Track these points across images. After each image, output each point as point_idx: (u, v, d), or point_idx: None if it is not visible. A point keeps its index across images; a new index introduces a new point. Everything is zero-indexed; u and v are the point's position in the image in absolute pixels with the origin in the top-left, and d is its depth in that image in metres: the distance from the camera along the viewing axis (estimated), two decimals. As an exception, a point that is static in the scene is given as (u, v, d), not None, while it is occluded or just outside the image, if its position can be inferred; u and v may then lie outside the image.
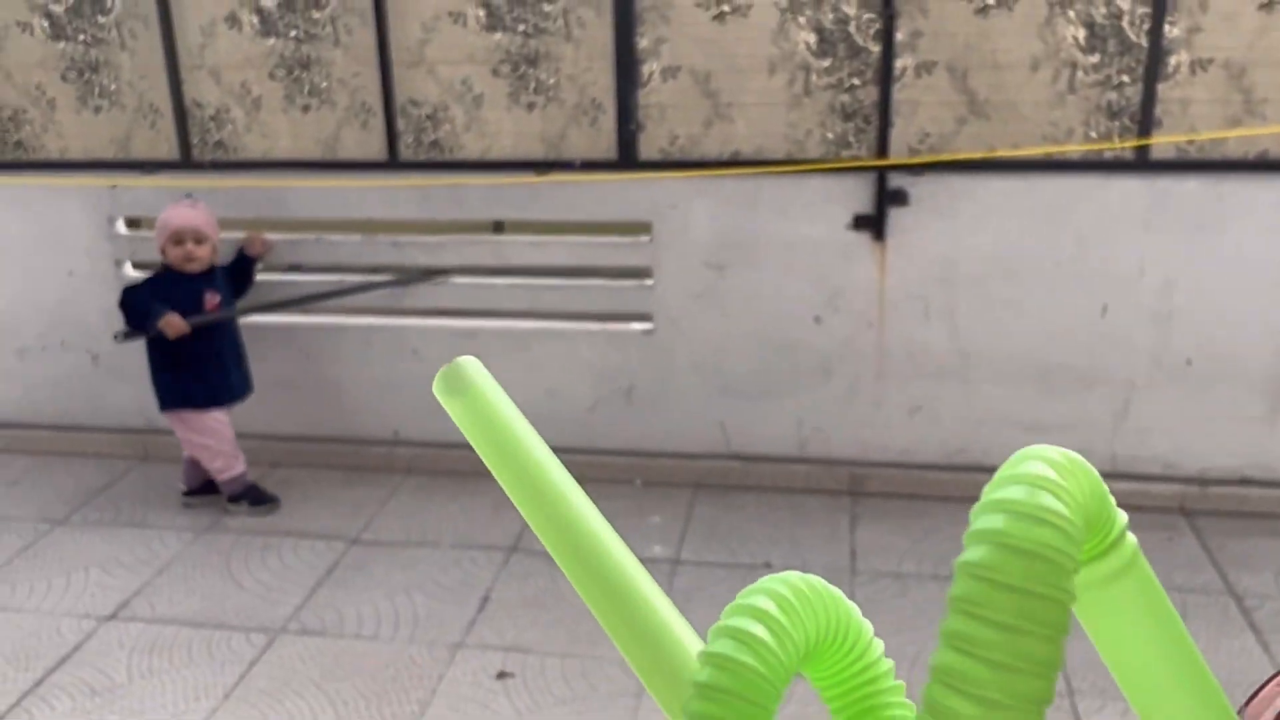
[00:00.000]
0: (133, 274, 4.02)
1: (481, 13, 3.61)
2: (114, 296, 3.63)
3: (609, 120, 3.64)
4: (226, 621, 3.14)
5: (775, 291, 3.66)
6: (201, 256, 3.54)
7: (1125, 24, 3.28)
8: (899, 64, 3.42)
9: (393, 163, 3.79)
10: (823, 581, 0.43)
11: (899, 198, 3.49)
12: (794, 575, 0.43)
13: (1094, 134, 3.39)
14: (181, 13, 3.77)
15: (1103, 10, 3.28)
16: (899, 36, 3.39)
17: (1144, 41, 3.29)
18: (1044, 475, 0.39)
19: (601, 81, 3.60)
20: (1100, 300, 3.50)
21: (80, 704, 2.78)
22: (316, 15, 3.71)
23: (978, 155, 3.46)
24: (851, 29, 3.43)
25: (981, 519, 0.39)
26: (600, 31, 3.56)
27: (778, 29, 3.46)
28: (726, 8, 3.46)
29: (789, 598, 0.42)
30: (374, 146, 3.81)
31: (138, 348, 3.67)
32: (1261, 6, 3.21)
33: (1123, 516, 0.44)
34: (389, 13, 3.64)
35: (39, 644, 3.05)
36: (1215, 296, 3.46)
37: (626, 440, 3.92)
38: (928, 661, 0.37)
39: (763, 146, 3.57)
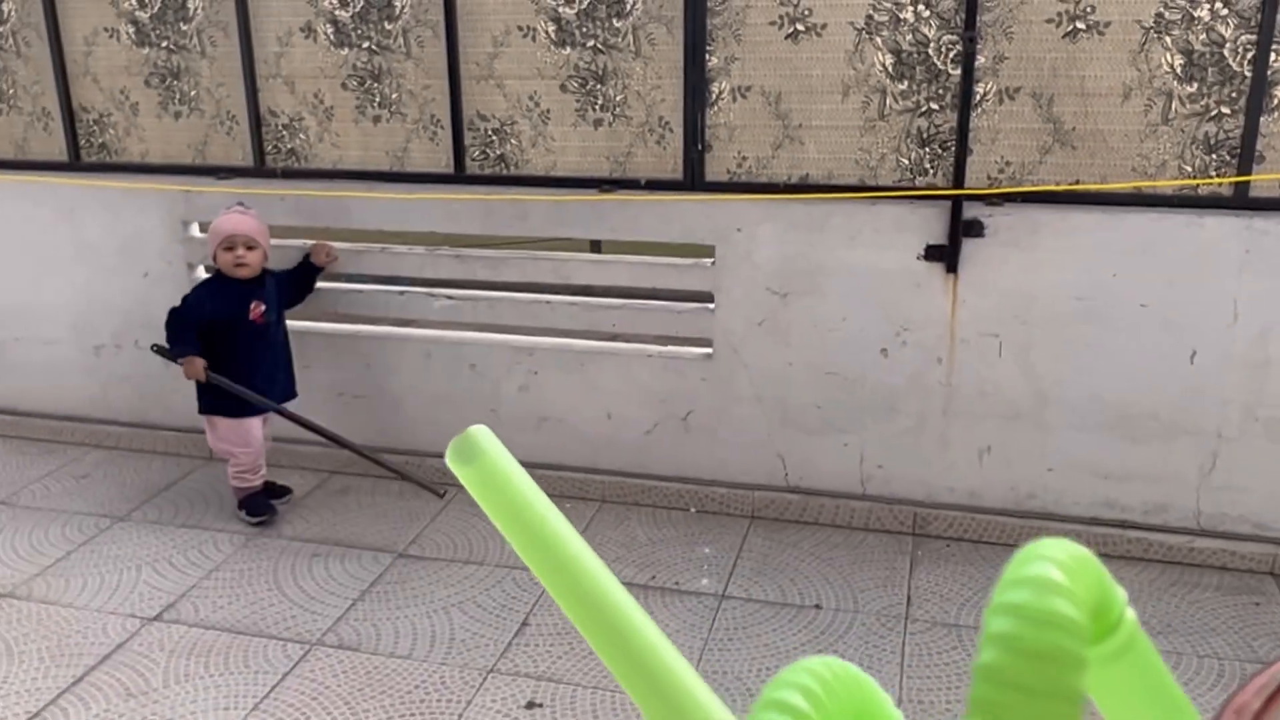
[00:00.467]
0: (204, 278, 4.08)
1: (552, 28, 3.56)
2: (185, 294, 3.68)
3: (676, 139, 3.55)
4: (266, 630, 3.13)
5: (841, 321, 3.53)
6: (251, 262, 3.57)
7: (1226, 52, 3.08)
8: (980, 89, 3.27)
9: (458, 176, 3.77)
10: (854, 669, 0.44)
11: (974, 228, 3.33)
12: (824, 665, 0.43)
13: (1188, 168, 3.19)
14: (260, 22, 3.82)
15: (1202, 37, 3.08)
16: (981, 60, 3.24)
17: (1247, 71, 3.07)
18: (1051, 578, 0.41)
19: (670, 100, 3.53)
20: (1189, 345, 3.28)
21: (114, 706, 2.80)
22: (389, 27, 3.71)
23: (1061, 187, 3.28)
24: (930, 51, 3.28)
25: (994, 621, 0.40)
26: (670, 49, 3.48)
27: (853, 50, 3.33)
28: (801, 27, 3.35)
29: (818, 693, 0.42)
30: (441, 159, 3.79)
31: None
32: (1380, 36, 2.97)
33: (1123, 595, 0.45)
34: (460, 26, 3.62)
35: (83, 641, 3.08)
36: (1318, 346, 3.21)
37: (682, 467, 3.82)
38: None
39: (833, 171, 3.45)
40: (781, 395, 3.66)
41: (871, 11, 3.28)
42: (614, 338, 3.85)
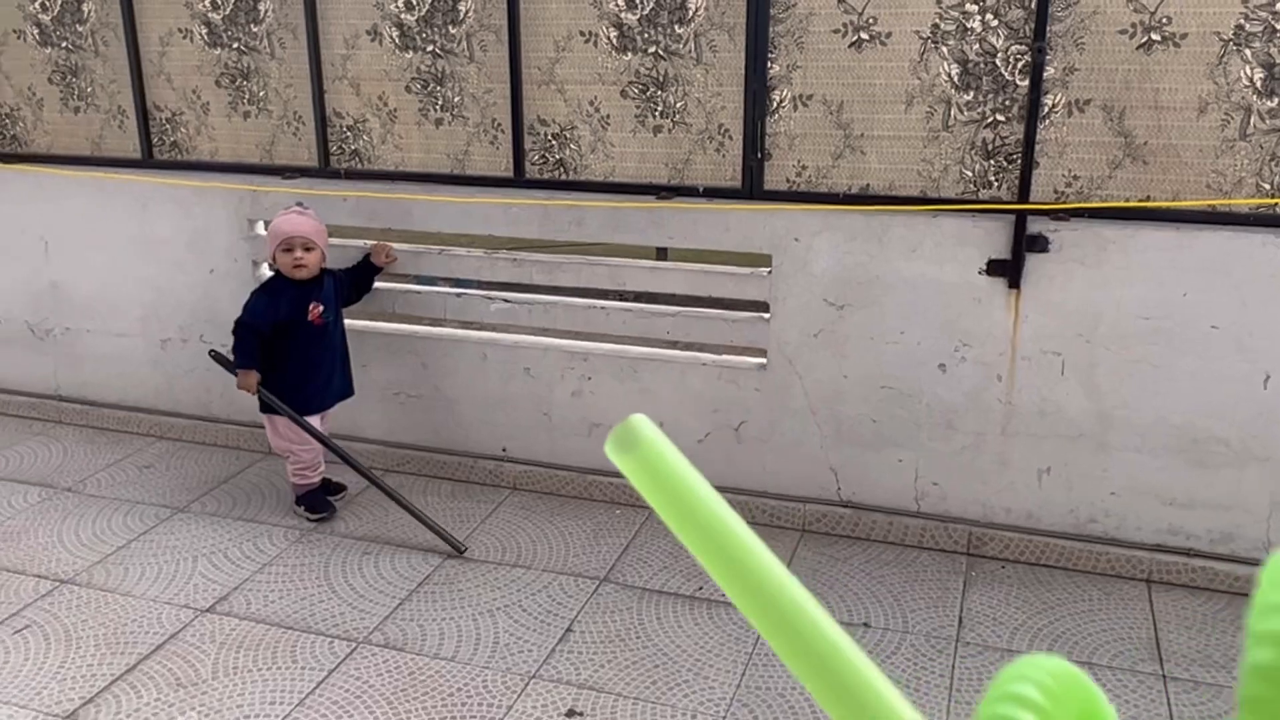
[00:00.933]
0: (268, 275, 4.15)
1: (614, 33, 3.56)
2: (248, 297, 3.74)
3: (735, 147, 3.52)
4: (314, 626, 3.17)
5: (898, 335, 3.47)
6: (309, 264, 3.61)
7: (1310, 66, 2.96)
8: (1048, 100, 3.18)
9: (518, 180, 3.79)
10: (1079, 671, 0.45)
11: (1039, 244, 3.25)
12: (1053, 663, 0.44)
13: (1267, 186, 3.07)
14: (327, 25, 3.87)
15: (1285, 50, 2.96)
16: (1050, 71, 3.16)
17: (1331, 86, 2.95)
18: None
19: (730, 107, 3.50)
20: (1263, 369, 3.16)
21: (164, 696, 2.85)
22: (453, 31, 3.74)
23: (1131, 204, 3.18)
24: (998, 61, 3.21)
25: (1267, 620, 0.38)
26: (732, 56, 3.45)
27: (918, 59, 3.27)
28: (865, 35, 3.30)
29: (1053, 688, 0.43)
30: (501, 163, 3.81)
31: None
32: None
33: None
34: (523, 31, 3.64)
35: (138, 630, 3.15)
36: (1401, 374, 3.07)
37: (733, 477, 3.79)
38: None
39: (894, 182, 3.39)
40: (836, 408, 3.60)
41: (938, 20, 3.22)
42: (668, 345, 3.83)
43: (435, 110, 3.84)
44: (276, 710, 2.79)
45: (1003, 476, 3.48)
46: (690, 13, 3.46)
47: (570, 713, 2.78)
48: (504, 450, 4.07)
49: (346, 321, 3.91)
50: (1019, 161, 3.25)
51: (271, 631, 3.14)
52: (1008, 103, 3.23)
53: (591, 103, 3.64)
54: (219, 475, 4.20)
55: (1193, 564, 3.34)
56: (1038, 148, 3.22)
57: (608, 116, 3.64)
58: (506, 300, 3.94)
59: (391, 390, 4.14)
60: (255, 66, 4.04)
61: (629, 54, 3.56)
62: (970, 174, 3.32)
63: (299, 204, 3.71)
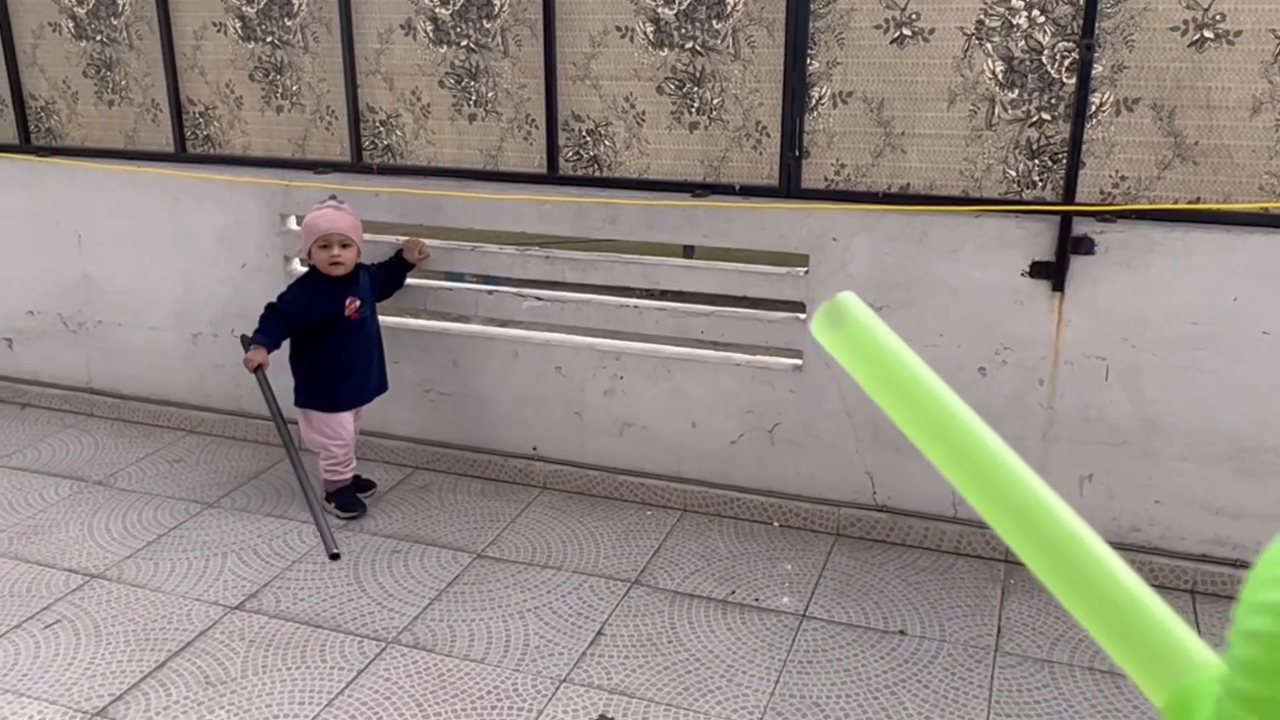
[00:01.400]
0: (300, 271, 4.13)
1: (650, 29, 3.51)
2: (281, 290, 3.72)
3: (773, 145, 3.47)
4: (344, 625, 3.14)
5: (938, 337, 3.40)
6: (346, 260, 3.58)
7: (1370, 65, 2.87)
8: (1096, 99, 3.11)
9: (551, 177, 3.74)
10: None
11: (1084, 245, 3.17)
12: None
13: (1322, 188, 2.98)
14: (361, 18, 3.84)
15: (1343, 48, 2.87)
16: (1098, 69, 3.08)
17: (1392, 86, 2.86)
18: None
19: (768, 104, 3.44)
20: (1315, 377, 3.07)
21: (194, 694, 2.83)
22: (488, 25, 3.70)
23: (1181, 205, 3.10)
24: (1044, 59, 3.13)
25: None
26: (771, 52, 3.39)
27: (962, 56, 3.20)
28: (907, 31, 3.23)
29: None
30: (534, 159, 3.77)
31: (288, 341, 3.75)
32: None
33: None
34: (558, 25, 3.59)
35: (168, 626, 3.14)
36: None
37: (766, 479, 3.74)
38: None
39: (935, 181, 3.32)
40: (872, 411, 3.53)
41: (983, 16, 3.15)
42: (702, 345, 3.78)
43: (469, 105, 3.81)
44: (305, 710, 2.77)
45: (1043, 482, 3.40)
46: (729, 8, 3.40)
47: (601, 718, 2.74)
48: (534, 449, 4.03)
49: (378, 318, 3.88)
50: (1064, 161, 3.18)
51: (301, 630, 3.12)
52: (1053, 101, 3.16)
53: (627, 99, 3.60)
54: (249, 470, 4.19)
55: (1239, 575, 3.25)
56: (1084, 147, 3.14)
57: (643, 113, 3.59)
58: (539, 298, 3.90)
59: (422, 387, 4.12)
60: (289, 60, 4.02)
61: (666, 49, 3.51)
62: (1014, 174, 3.25)
63: (333, 197, 3.68)
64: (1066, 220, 3.17)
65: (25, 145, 4.57)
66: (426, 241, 3.94)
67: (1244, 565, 3.26)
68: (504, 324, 4.14)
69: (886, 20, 3.24)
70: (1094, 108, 3.11)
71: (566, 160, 3.73)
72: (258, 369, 3.58)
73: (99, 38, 4.31)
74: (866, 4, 3.25)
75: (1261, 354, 3.09)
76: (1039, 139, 3.20)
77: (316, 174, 4.03)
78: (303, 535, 3.67)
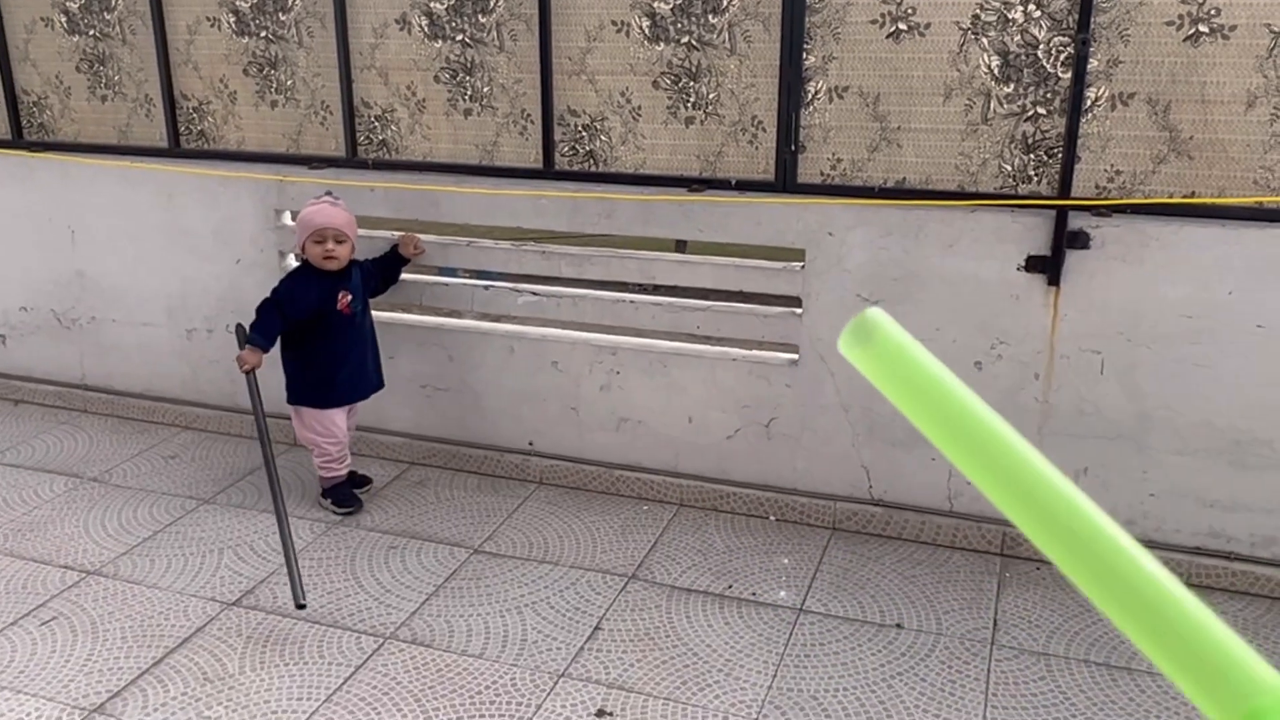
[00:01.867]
0: (292, 267, 4.12)
1: (646, 23, 3.50)
2: (274, 285, 3.71)
3: (769, 139, 3.47)
4: (341, 621, 3.14)
5: (934, 332, 3.40)
6: (341, 255, 3.57)
7: (1364, 60, 2.88)
8: (1091, 93, 3.11)
9: (547, 172, 3.74)
10: None
11: (1079, 240, 3.18)
12: None
13: (1316, 182, 2.99)
14: (356, 13, 3.83)
15: (1338, 43, 2.88)
16: (1093, 63, 3.08)
17: (1386, 80, 2.87)
18: None
19: (764, 99, 3.44)
20: (1309, 370, 3.08)
21: (191, 690, 2.83)
22: (483, 20, 3.69)
23: (1176, 199, 3.11)
24: (1040, 53, 3.14)
25: None
26: (767, 46, 3.39)
27: (958, 50, 3.21)
28: (903, 26, 3.23)
29: None
30: (530, 154, 3.77)
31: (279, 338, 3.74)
32: None
33: None
34: (554, 20, 3.59)
35: (165, 623, 3.13)
36: None
37: (763, 474, 3.74)
38: None
39: (931, 176, 3.33)
40: (868, 405, 3.55)
41: (979, 11, 3.15)
42: (698, 340, 3.78)
43: (464, 100, 3.80)
44: (304, 706, 2.77)
45: (1039, 476, 3.42)
46: (724, 2, 3.40)
47: (600, 713, 2.75)
48: (531, 444, 4.03)
49: (373, 313, 3.87)
50: (1060, 156, 3.18)
51: (298, 626, 3.12)
52: (1049, 95, 3.16)
53: (623, 93, 3.59)
54: (244, 467, 4.18)
55: (1233, 568, 3.28)
56: (1080, 142, 3.15)
57: (639, 107, 3.59)
58: (534, 293, 3.90)
59: (418, 383, 4.11)
60: (283, 55, 4.01)
61: (661, 44, 3.51)
62: (1010, 168, 3.25)
63: (329, 193, 3.68)
64: (1062, 215, 3.18)
65: (18, 140, 4.55)
66: (422, 237, 3.93)
67: (1238, 558, 3.28)
68: (499, 319, 4.14)
69: (882, 15, 3.24)
70: (1089, 102, 3.12)
71: (562, 155, 3.73)
72: (250, 371, 3.54)
73: (92, 32, 4.29)
74: (862, -2, 3.25)
75: (1256, 347, 3.11)
76: (1035, 133, 3.20)
77: (311, 169, 4.02)
78: (299, 531, 3.66)
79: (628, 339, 3.84)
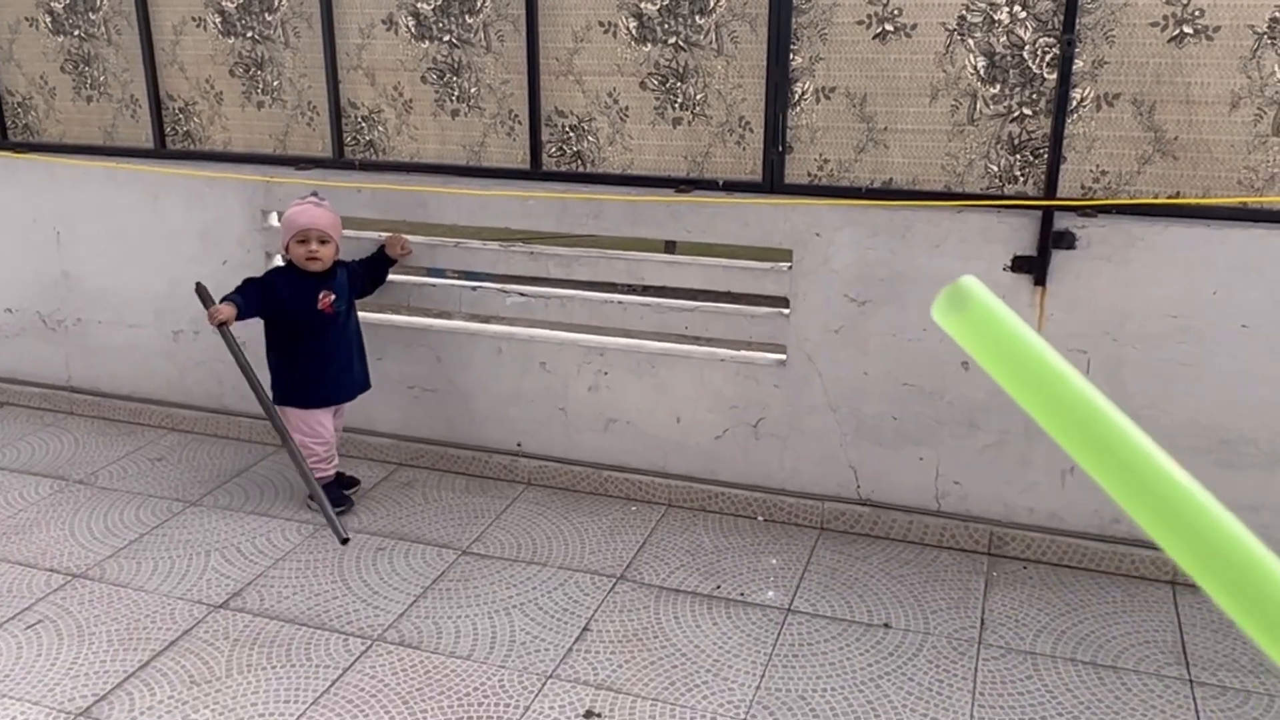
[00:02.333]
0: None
1: (633, 24, 3.50)
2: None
3: (756, 140, 3.47)
4: (328, 623, 3.13)
5: (921, 332, 3.41)
6: (324, 256, 3.56)
7: (1347, 61, 2.89)
8: (1077, 94, 3.13)
9: (535, 172, 3.74)
10: None
11: (1065, 240, 3.19)
12: None
13: (1300, 182, 3.01)
14: (342, 13, 3.82)
15: (1321, 44, 2.90)
16: (1079, 64, 3.10)
17: (1368, 81, 2.89)
18: None
19: (751, 99, 3.44)
20: (1293, 369, 3.10)
21: (178, 693, 2.82)
22: (470, 20, 3.69)
23: (1161, 200, 3.13)
24: (1025, 54, 3.15)
25: None
26: (754, 47, 3.40)
27: (944, 51, 3.22)
28: (890, 27, 3.24)
29: None
30: (518, 155, 3.76)
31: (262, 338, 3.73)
32: None
33: None
34: (541, 20, 3.58)
35: (151, 625, 3.12)
36: None
37: (751, 474, 3.75)
38: None
39: (918, 176, 3.33)
40: (856, 405, 3.56)
41: (964, 12, 3.16)
42: (686, 340, 3.78)
43: (451, 101, 3.80)
44: (291, 709, 2.76)
45: (1026, 476, 3.43)
46: (711, 3, 3.40)
47: (588, 714, 2.75)
48: (519, 445, 4.03)
49: (360, 314, 3.86)
50: (1046, 156, 3.20)
51: (286, 628, 3.11)
52: (1035, 96, 3.17)
53: (610, 94, 3.59)
54: (231, 468, 4.17)
55: (1219, 566, 3.29)
56: (1065, 142, 3.16)
57: (626, 108, 3.59)
58: (522, 294, 3.89)
59: (406, 384, 4.10)
60: (269, 56, 4.00)
61: (649, 45, 3.51)
62: (996, 169, 3.26)
63: (314, 194, 3.66)
64: (1048, 215, 3.19)
65: (2, 141, 4.52)
66: (409, 237, 3.92)
67: (1224, 556, 3.29)
68: (487, 320, 4.13)
69: (869, 16, 3.25)
70: (1075, 103, 3.13)
71: (550, 156, 3.73)
72: (222, 324, 3.51)
73: (77, 33, 4.27)
74: (849, 0, 3.25)
75: (1241, 347, 3.12)
76: (1020, 134, 3.21)
77: (298, 170, 4.00)
78: (286, 533, 3.65)
79: (616, 339, 3.84)
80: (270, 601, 3.24)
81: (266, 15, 3.95)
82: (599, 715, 2.74)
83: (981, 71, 3.20)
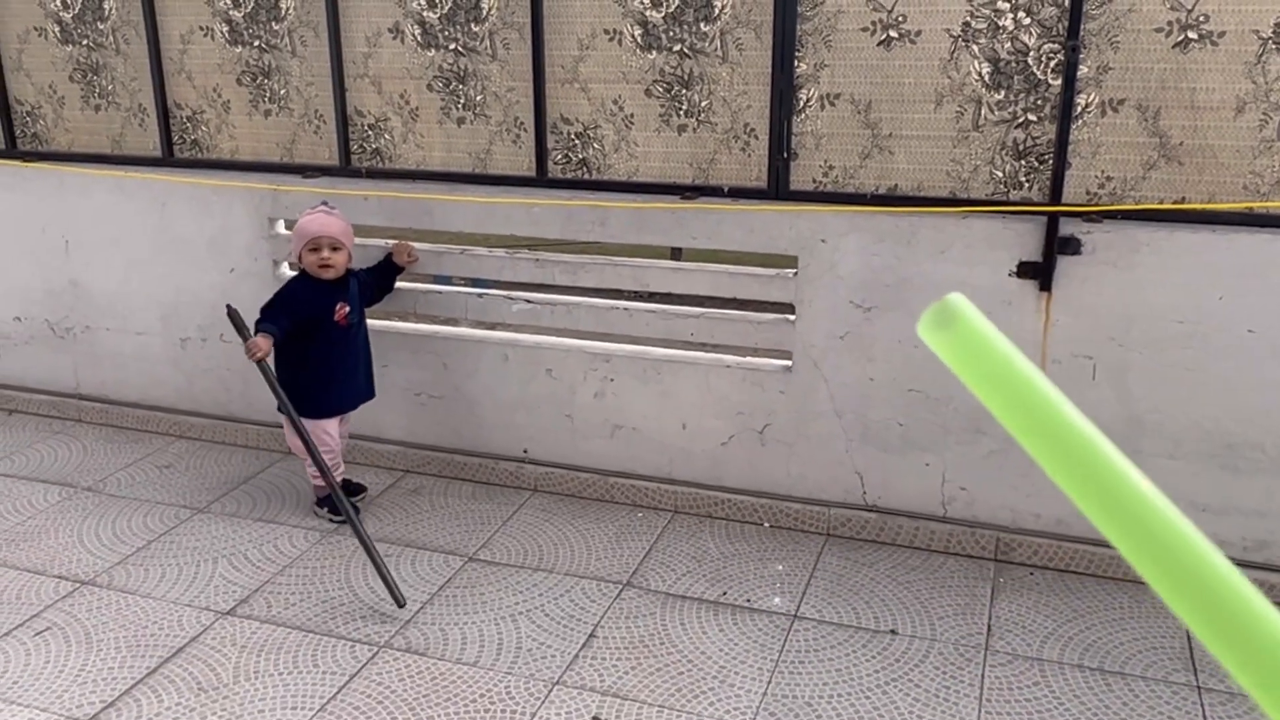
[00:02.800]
0: (289, 275, 4.12)
1: (638, 31, 3.51)
2: (269, 295, 3.71)
3: (761, 147, 3.48)
4: (335, 630, 3.14)
5: (926, 337, 3.41)
6: (336, 264, 3.57)
7: (1352, 66, 2.89)
8: (1081, 100, 3.13)
9: (540, 180, 3.75)
10: None
11: (1071, 246, 3.19)
12: None
13: (1305, 187, 3.01)
14: (349, 22, 3.84)
15: (1326, 49, 2.90)
16: (1083, 70, 3.10)
17: (1374, 86, 2.89)
18: None
19: (756, 106, 3.45)
20: (1300, 374, 3.10)
21: (185, 700, 2.83)
22: (476, 29, 3.70)
23: (1166, 205, 3.13)
24: (1030, 60, 3.15)
25: None
26: (759, 54, 3.41)
27: (949, 58, 3.22)
28: (894, 33, 3.25)
29: None
30: (523, 162, 3.77)
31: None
32: None
33: None
34: (546, 29, 3.60)
35: (159, 632, 3.13)
36: None
37: (757, 480, 3.75)
38: None
39: (923, 182, 3.34)
40: (862, 411, 3.56)
41: (969, 18, 3.17)
42: (692, 347, 3.79)
43: (457, 109, 3.81)
44: (298, 716, 2.76)
45: (1032, 481, 3.43)
46: (716, 10, 3.41)
47: (594, 720, 2.75)
48: (525, 452, 4.03)
49: (367, 322, 3.87)
50: (1051, 162, 3.20)
51: (292, 635, 3.11)
52: (1040, 102, 3.18)
53: (615, 101, 3.60)
54: (238, 475, 4.18)
55: (1226, 572, 3.28)
56: (1070, 148, 3.17)
57: (632, 115, 3.60)
58: (528, 301, 3.90)
59: (412, 391, 4.11)
60: (276, 64, 4.02)
61: (654, 52, 3.52)
62: (1001, 175, 3.26)
63: (325, 203, 3.68)
64: (1053, 221, 3.19)
65: (11, 150, 4.55)
66: (415, 245, 3.94)
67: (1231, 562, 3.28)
68: (494, 327, 4.14)
69: (873, 23, 3.26)
70: (1080, 109, 3.13)
71: (555, 163, 3.74)
72: (261, 359, 3.48)
73: (85, 42, 4.30)
74: (853, 6, 3.26)
75: (1247, 352, 3.12)
76: (1025, 140, 3.22)
77: (305, 178, 4.02)
78: (293, 540, 3.66)
79: (622, 346, 3.85)
80: (277, 608, 3.25)
81: (273, 24, 3.97)
82: (605, 722, 2.74)
83: (986, 78, 3.20)
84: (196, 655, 3.02)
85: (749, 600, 3.29)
